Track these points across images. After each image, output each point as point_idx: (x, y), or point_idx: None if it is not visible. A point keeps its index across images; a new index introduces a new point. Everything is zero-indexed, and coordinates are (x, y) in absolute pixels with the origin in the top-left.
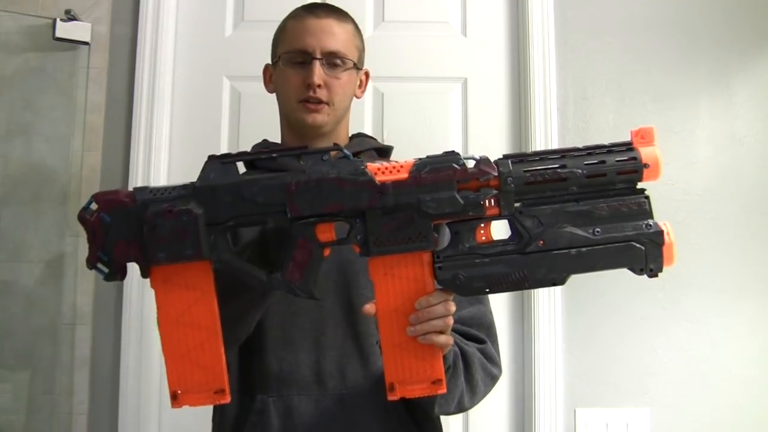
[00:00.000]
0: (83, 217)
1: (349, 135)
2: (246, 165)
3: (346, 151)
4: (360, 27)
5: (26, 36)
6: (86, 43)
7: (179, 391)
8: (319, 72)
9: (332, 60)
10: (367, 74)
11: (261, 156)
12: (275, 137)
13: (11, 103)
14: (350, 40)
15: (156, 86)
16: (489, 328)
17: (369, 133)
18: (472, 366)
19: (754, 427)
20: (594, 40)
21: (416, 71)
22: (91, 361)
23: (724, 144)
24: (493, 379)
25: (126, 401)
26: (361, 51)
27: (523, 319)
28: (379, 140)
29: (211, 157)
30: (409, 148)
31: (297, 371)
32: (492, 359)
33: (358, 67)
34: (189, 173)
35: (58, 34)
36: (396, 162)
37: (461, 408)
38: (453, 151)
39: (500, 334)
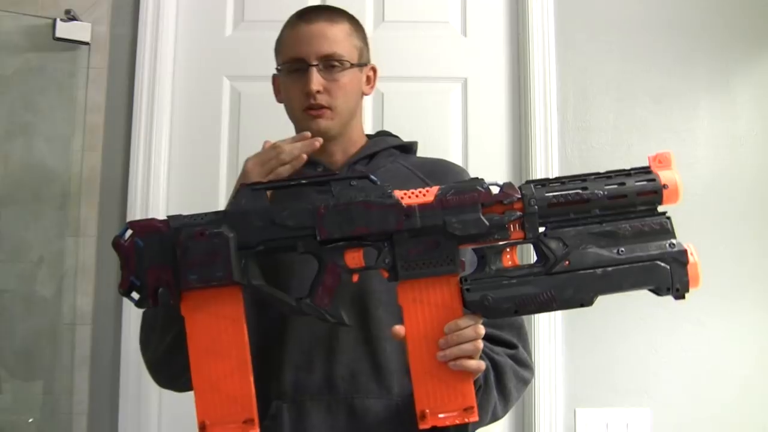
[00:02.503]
0: (118, 243)
1: (367, 133)
2: None
3: (372, 176)
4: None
5: (26, 36)
6: (86, 43)
7: (207, 422)
8: (316, 78)
9: (329, 63)
10: (374, 70)
11: (291, 183)
12: (276, 137)
13: (11, 103)
14: (346, 40)
15: (156, 86)
16: (519, 329)
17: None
18: (504, 376)
19: (754, 427)
20: (594, 40)
21: (416, 71)
22: (91, 361)
23: (724, 144)
24: (525, 383)
25: (126, 401)
26: (362, 48)
27: (523, 319)
28: None
29: (243, 185)
30: None
31: (310, 376)
32: (524, 363)
33: (359, 65)
34: (189, 173)
35: (58, 34)
36: (422, 188)
37: (495, 418)
38: (477, 177)
39: None
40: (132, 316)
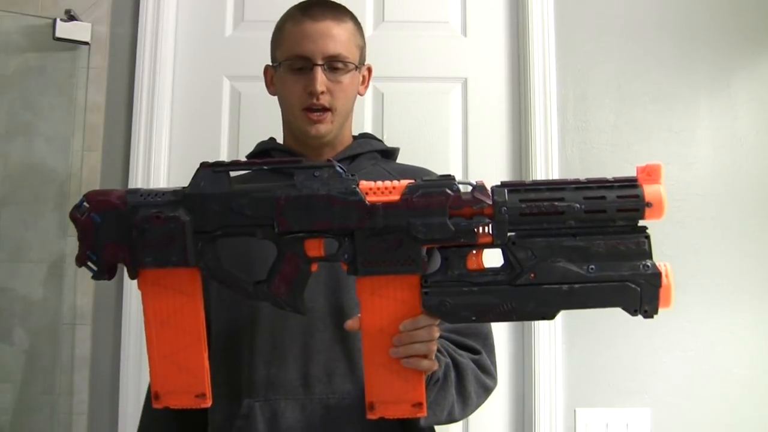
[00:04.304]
0: (74, 215)
1: (353, 134)
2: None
3: (339, 167)
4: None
5: (26, 36)
6: (86, 43)
7: (161, 392)
8: (321, 78)
9: (333, 64)
10: (369, 69)
11: (253, 166)
12: (276, 137)
13: (11, 103)
14: (350, 40)
15: (156, 86)
16: (485, 338)
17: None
18: (464, 377)
19: (754, 427)
20: (594, 40)
21: (416, 71)
22: (91, 361)
23: (724, 144)
24: (486, 390)
25: (126, 401)
26: (362, 48)
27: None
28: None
29: (204, 165)
30: (409, 148)
31: (285, 375)
32: (486, 370)
33: (359, 66)
34: (189, 173)
35: (58, 34)
36: (390, 182)
37: (451, 419)
38: (449, 175)
39: (500, 334)
40: (132, 315)
